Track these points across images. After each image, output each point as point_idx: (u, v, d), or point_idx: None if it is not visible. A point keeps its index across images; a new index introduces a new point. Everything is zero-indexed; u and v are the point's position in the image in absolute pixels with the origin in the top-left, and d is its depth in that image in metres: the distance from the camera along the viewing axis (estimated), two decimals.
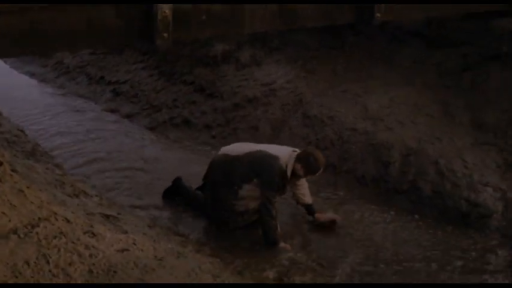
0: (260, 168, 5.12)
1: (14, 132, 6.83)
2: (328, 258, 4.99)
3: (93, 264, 3.69)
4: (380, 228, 5.55)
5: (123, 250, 4.01)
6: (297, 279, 4.51)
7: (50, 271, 3.50)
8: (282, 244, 5.05)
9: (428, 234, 5.45)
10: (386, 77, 7.39)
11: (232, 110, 7.76)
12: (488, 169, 5.91)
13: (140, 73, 9.26)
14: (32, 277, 3.40)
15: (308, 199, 5.52)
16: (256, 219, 5.22)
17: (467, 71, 7.03)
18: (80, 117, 8.41)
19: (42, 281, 3.40)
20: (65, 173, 6.04)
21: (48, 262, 3.56)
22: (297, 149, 5.36)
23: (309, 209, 5.54)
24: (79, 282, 3.50)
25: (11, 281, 3.30)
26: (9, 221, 3.75)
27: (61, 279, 3.46)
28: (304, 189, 5.48)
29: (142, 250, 4.11)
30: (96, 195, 5.40)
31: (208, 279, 4.05)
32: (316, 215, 5.52)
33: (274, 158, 5.13)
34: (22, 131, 7.12)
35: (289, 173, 5.13)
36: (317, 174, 5.28)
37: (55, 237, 3.80)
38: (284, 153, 5.20)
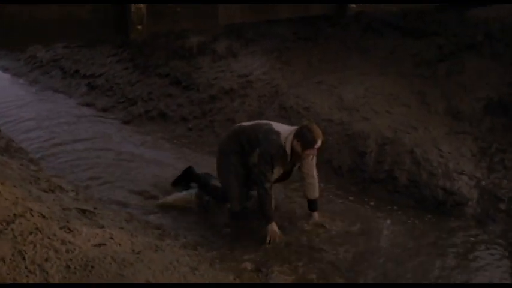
0: (263, 138, 5.03)
1: None
2: (308, 251, 4.99)
3: (70, 259, 3.67)
4: (359, 218, 5.57)
5: (100, 245, 3.99)
6: (275, 270, 4.51)
7: (26, 268, 3.47)
8: (273, 226, 4.99)
9: (406, 224, 5.50)
10: (361, 67, 7.42)
11: (208, 102, 7.74)
12: (464, 157, 5.98)
13: (115, 66, 9.18)
14: (8, 274, 3.37)
15: (312, 194, 5.33)
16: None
17: (443, 61, 7.09)
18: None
19: (18, 278, 3.37)
20: (40, 168, 5.98)
21: (24, 258, 3.53)
22: None
23: (311, 205, 5.37)
24: (56, 278, 3.47)
25: None
26: None
27: (37, 276, 3.44)
28: (310, 178, 5.29)
29: (119, 244, 4.10)
30: (72, 190, 5.35)
31: (186, 272, 4.05)
32: (314, 214, 5.36)
33: (276, 134, 5.01)
34: None
35: (288, 149, 4.96)
36: (315, 147, 4.96)
37: (31, 233, 3.76)
38: (286, 130, 5.06)
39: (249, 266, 4.54)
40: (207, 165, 6.08)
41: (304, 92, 7.22)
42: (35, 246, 3.66)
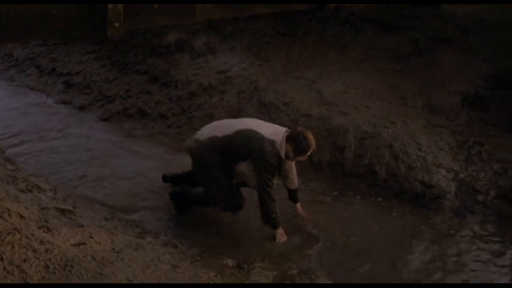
0: (258, 150, 4.95)
1: None
2: (291, 248, 5.01)
3: (49, 259, 3.64)
4: (340, 213, 5.60)
5: (79, 244, 3.96)
6: (257, 266, 4.51)
7: (4, 268, 3.43)
8: (281, 230, 5.07)
9: (390, 217, 5.54)
10: (340, 62, 7.45)
11: (187, 99, 7.70)
12: (441, 151, 6.03)
13: (92, 64, 9.08)
14: None
15: (293, 185, 5.38)
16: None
17: (420, 56, 7.15)
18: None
19: None
20: (17, 168, 5.90)
21: (2, 259, 3.49)
22: (289, 130, 5.16)
23: (293, 195, 5.44)
24: (35, 278, 3.44)
25: None
26: None
27: (16, 276, 3.40)
28: (292, 173, 5.31)
29: (99, 243, 4.07)
30: (51, 190, 5.29)
31: (167, 270, 4.04)
32: (297, 205, 5.45)
33: (270, 143, 4.94)
34: None
35: (283, 155, 4.98)
36: (308, 154, 5.04)
37: (8, 233, 3.72)
38: (277, 135, 5.01)
39: (230, 262, 4.53)
40: (187, 162, 6.05)
41: (284, 88, 7.22)
42: (13, 246, 3.62)
